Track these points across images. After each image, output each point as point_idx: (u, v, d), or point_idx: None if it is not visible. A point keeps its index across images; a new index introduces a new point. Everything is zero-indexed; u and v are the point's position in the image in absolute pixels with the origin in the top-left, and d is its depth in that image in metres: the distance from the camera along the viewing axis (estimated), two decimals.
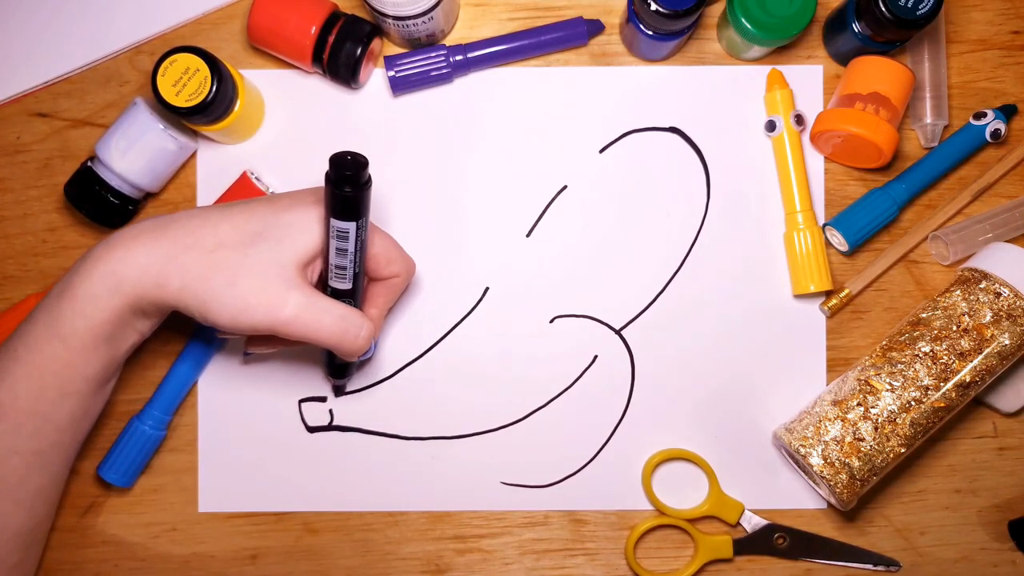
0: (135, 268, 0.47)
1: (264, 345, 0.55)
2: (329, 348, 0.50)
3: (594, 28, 0.59)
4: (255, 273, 0.47)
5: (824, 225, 0.59)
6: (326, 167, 0.47)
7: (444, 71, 0.58)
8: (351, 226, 0.48)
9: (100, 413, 0.52)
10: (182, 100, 0.53)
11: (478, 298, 0.60)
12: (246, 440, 0.60)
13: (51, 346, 0.47)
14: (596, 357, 0.60)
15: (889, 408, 0.54)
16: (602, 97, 0.60)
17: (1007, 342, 0.53)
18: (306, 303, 0.48)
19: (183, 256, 0.47)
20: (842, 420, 0.54)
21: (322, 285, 0.51)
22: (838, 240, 0.59)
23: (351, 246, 0.49)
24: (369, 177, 0.48)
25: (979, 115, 0.59)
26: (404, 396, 0.60)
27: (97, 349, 0.48)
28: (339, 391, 0.59)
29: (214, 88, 0.53)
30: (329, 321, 0.48)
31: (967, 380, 0.53)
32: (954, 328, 0.54)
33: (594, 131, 0.60)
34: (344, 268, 0.50)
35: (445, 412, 0.60)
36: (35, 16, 0.59)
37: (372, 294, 0.54)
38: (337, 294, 0.51)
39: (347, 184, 0.46)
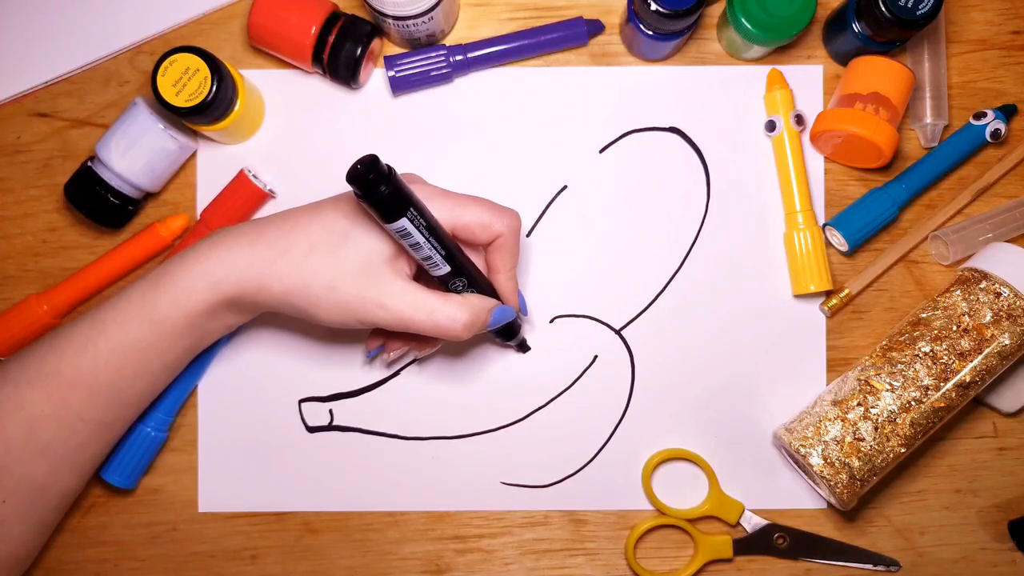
0: (235, 270, 0.49)
1: (396, 341, 0.55)
2: (433, 336, 0.50)
3: (594, 28, 0.59)
4: (350, 275, 0.49)
5: (824, 225, 0.59)
6: (337, 177, 0.47)
7: (444, 71, 0.58)
8: (405, 223, 0.46)
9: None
10: (182, 100, 0.53)
11: None
12: (246, 440, 0.60)
13: (141, 328, 0.49)
14: (596, 357, 0.60)
15: (889, 408, 0.54)
16: (602, 97, 0.60)
17: (1007, 342, 0.53)
18: (397, 300, 0.49)
19: (279, 261, 0.49)
20: (842, 420, 0.54)
21: (426, 277, 0.51)
22: (838, 240, 0.59)
23: (420, 238, 0.47)
24: (389, 167, 0.46)
25: (979, 115, 0.59)
26: (404, 396, 0.60)
27: (183, 337, 0.50)
28: (523, 347, 0.59)
29: (214, 88, 0.53)
30: (422, 316, 0.49)
31: (967, 380, 0.53)
32: (954, 328, 0.54)
33: (594, 131, 0.60)
34: (430, 258, 0.49)
35: (445, 412, 0.60)
36: (35, 16, 0.59)
37: (490, 259, 0.53)
38: (445, 280, 0.50)
39: (378, 185, 0.45)
